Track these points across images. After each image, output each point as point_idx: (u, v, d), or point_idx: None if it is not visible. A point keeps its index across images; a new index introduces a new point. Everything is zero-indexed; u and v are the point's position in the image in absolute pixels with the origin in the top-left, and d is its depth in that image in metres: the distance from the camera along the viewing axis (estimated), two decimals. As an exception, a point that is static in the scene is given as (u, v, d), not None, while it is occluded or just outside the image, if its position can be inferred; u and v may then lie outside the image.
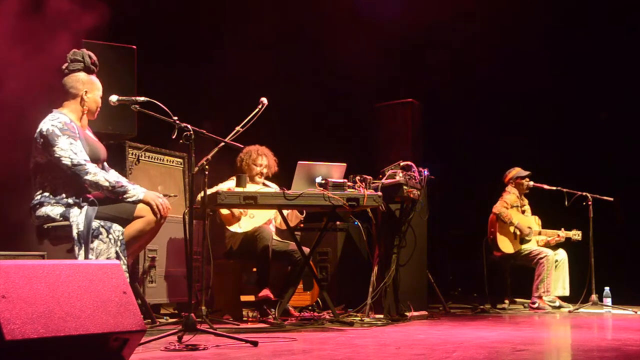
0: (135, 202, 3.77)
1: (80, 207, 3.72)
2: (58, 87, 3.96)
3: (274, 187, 5.42)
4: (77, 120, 3.90)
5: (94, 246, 3.63)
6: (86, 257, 3.60)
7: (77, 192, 3.77)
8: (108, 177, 3.76)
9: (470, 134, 8.19)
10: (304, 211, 5.41)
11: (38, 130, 3.78)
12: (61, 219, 3.71)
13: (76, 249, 3.63)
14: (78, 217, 3.67)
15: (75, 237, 3.63)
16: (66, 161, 3.68)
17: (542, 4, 7.85)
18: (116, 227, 3.70)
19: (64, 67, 3.94)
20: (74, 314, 2.32)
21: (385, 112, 6.99)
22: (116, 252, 3.66)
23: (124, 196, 3.76)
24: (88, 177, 3.70)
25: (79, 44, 4.81)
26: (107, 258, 3.61)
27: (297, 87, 7.61)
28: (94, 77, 3.98)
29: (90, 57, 3.94)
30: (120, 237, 3.69)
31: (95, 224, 3.66)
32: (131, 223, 3.75)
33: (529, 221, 6.75)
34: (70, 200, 3.74)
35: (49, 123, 3.75)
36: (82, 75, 3.92)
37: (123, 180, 3.93)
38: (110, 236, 3.66)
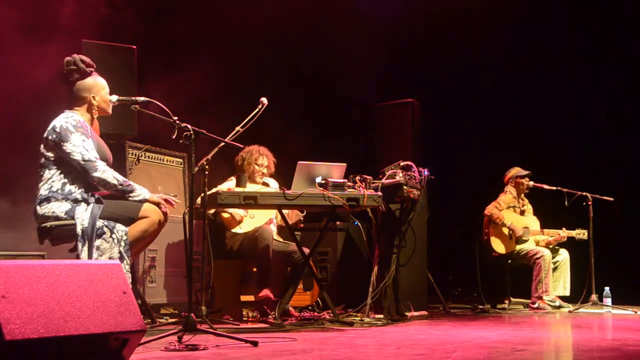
0: (141, 202, 3.82)
1: (88, 203, 3.73)
2: (58, 88, 3.97)
3: (274, 185, 5.43)
4: (88, 123, 3.93)
5: (98, 245, 3.64)
6: (90, 254, 3.61)
7: (85, 188, 3.81)
8: (116, 175, 3.82)
9: (471, 133, 8.19)
10: (305, 209, 5.41)
11: (51, 127, 3.81)
12: (66, 216, 3.72)
13: (79, 245, 3.63)
14: (83, 214, 3.69)
15: (79, 234, 3.64)
16: (77, 156, 3.72)
17: (542, 4, 7.85)
18: (120, 227, 3.72)
19: (62, 74, 3.93)
20: (74, 314, 2.32)
21: (385, 112, 6.98)
22: (120, 252, 3.68)
23: (131, 194, 3.81)
24: (97, 173, 3.74)
25: (79, 44, 4.81)
26: (110, 257, 3.63)
27: (297, 87, 7.61)
28: (96, 78, 3.98)
29: (82, 61, 3.93)
30: (124, 237, 3.71)
31: (99, 223, 3.69)
32: (135, 223, 3.78)
33: (526, 222, 6.74)
34: (78, 196, 3.76)
35: (63, 120, 3.80)
36: (86, 82, 3.93)
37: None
38: (114, 236, 3.69)
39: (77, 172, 3.78)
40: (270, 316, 4.88)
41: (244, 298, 5.35)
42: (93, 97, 3.93)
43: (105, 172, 3.77)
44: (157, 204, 3.86)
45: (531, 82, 7.97)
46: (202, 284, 4.60)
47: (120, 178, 3.82)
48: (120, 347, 2.46)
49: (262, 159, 5.42)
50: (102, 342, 2.39)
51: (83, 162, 3.73)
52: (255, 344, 3.30)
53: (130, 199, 3.82)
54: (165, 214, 3.91)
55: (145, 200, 3.83)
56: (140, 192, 3.84)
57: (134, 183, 3.89)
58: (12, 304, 2.17)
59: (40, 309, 2.23)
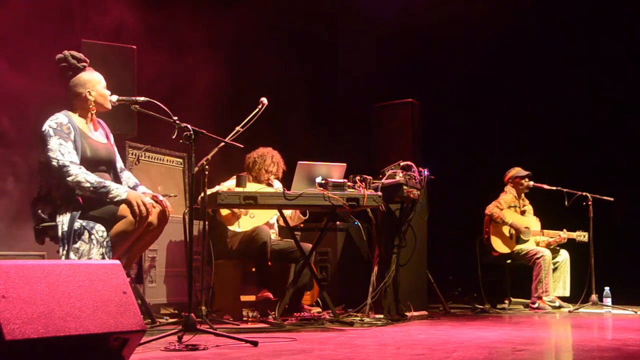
0: (119, 203, 3.68)
1: (68, 206, 3.69)
2: (58, 88, 3.96)
3: (277, 186, 5.42)
4: (84, 120, 3.89)
5: (77, 247, 3.60)
6: (67, 257, 3.56)
7: (66, 193, 3.73)
8: (89, 178, 3.67)
9: (471, 133, 8.19)
10: (307, 213, 5.41)
11: (41, 129, 3.79)
12: (49, 219, 3.71)
13: (60, 249, 3.60)
14: (63, 217, 3.65)
15: (60, 237, 3.61)
16: (53, 162, 3.66)
17: (542, 4, 7.85)
18: (99, 228, 3.64)
19: (57, 72, 3.90)
20: (74, 314, 2.32)
21: (385, 112, 6.99)
22: (102, 254, 3.60)
23: (108, 197, 3.67)
24: (70, 178, 3.64)
25: (79, 44, 4.81)
26: (89, 259, 3.57)
27: (297, 87, 7.61)
28: (90, 73, 3.93)
29: (73, 56, 3.89)
30: (106, 238, 3.63)
31: (78, 224, 3.62)
32: (117, 224, 3.70)
33: (527, 222, 6.74)
34: (58, 201, 3.73)
35: (48, 123, 3.76)
36: (81, 77, 3.89)
37: (130, 182, 3.98)
38: (93, 237, 3.61)
39: (59, 177, 3.71)
40: (270, 316, 4.89)
41: (244, 298, 5.35)
42: (89, 92, 3.87)
43: (77, 177, 3.63)
44: (131, 206, 3.65)
45: (531, 82, 7.97)
46: (202, 284, 4.60)
47: (94, 180, 3.66)
48: (120, 347, 2.46)
49: (273, 166, 5.42)
50: (102, 342, 2.39)
51: (57, 167, 3.64)
52: (255, 344, 3.30)
53: (109, 200, 3.68)
54: (163, 215, 3.83)
55: (123, 201, 3.67)
56: (117, 192, 3.67)
57: (111, 183, 3.74)
58: (12, 304, 2.17)
59: (40, 309, 2.23)
